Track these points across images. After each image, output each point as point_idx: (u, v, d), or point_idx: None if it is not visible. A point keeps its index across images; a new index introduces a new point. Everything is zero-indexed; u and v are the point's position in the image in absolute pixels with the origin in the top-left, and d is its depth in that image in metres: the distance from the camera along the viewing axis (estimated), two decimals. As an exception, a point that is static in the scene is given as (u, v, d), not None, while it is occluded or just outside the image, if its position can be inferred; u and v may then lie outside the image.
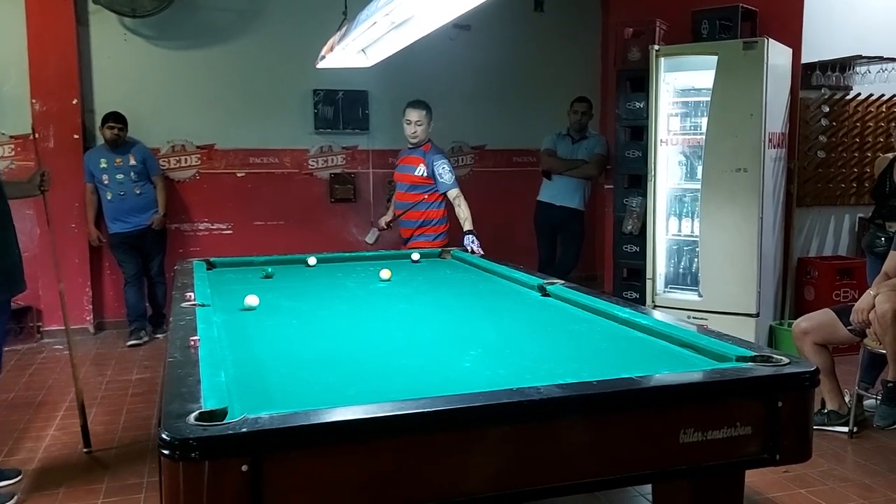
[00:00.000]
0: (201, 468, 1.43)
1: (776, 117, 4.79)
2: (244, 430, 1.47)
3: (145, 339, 5.66)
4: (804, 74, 5.09)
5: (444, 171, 4.56)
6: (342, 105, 6.48)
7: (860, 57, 5.01)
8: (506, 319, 2.79)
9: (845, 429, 3.65)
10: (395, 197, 4.80)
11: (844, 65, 5.11)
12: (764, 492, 3.04)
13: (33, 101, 5.60)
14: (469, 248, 4.25)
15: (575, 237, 6.01)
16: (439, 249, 4.42)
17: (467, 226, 4.43)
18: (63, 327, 3.64)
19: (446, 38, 6.05)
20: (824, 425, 3.64)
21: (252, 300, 2.87)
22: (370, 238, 6.69)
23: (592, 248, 6.84)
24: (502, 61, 6.85)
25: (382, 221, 5.07)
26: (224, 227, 6.34)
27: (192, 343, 2.11)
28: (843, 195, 5.35)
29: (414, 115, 4.55)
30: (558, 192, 5.94)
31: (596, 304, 2.75)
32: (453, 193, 4.56)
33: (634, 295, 5.31)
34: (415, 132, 4.57)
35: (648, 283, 5.10)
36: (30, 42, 5.60)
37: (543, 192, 6.06)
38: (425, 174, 4.56)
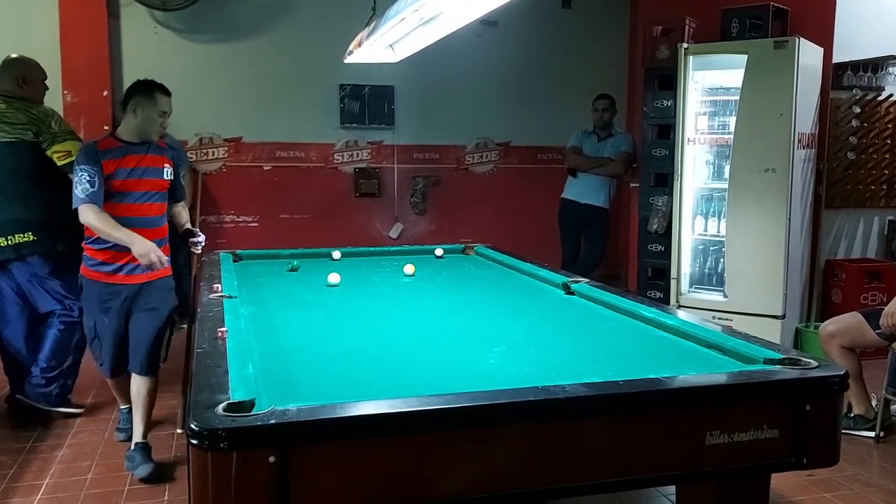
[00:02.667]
0: (229, 458, 1.45)
1: (806, 117, 4.73)
2: (272, 421, 1.49)
3: (170, 329, 5.72)
4: (835, 74, 5.02)
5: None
6: (368, 100, 6.50)
7: (893, 57, 4.94)
8: (530, 317, 2.79)
9: (872, 433, 3.61)
10: (128, 211, 3.17)
11: (877, 65, 5.04)
12: (788, 495, 3.01)
13: (65, 92, 5.68)
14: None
15: (599, 235, 5.97)
16: (462, 245, 4.40)
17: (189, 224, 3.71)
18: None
19: (473, 34, 6.06)
20: (850, 429, 3.60)
21: (334, 278, 3.23)
22: (394, 233, 6.74)
23: (616, 246, 6.81)
24: (529, 58, 6.83)
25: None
26: (250, 219, 6.39)
27: (220, 334, 2.14)
28: (872, 197, 5.27)
29: (167, 104, 3.29)
30: (583, 190, 5.91)
31: (621, 303, 2.74)
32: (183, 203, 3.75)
33: (658, 294, 5.28)
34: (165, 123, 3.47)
35: (673, 283, 5.06)
36: (62, 34, 5.68)
37: (568, 189, 6.03)
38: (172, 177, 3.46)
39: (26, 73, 3.94)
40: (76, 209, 3.07)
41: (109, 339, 3.28)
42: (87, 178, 3.03)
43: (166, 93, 3.29)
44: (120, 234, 3.06)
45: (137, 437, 3.24)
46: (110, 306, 3.22)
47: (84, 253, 3.24)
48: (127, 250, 3.10)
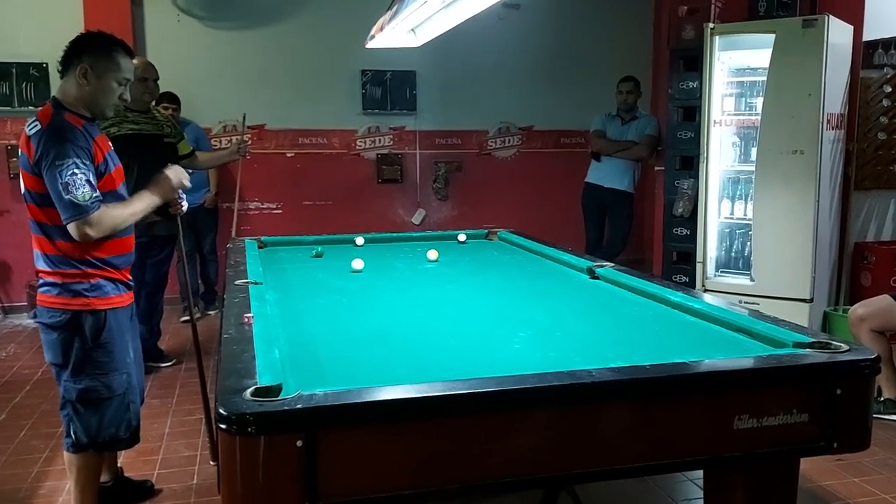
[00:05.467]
0: (257, 442, 1.47)
1: (835, 97, 4.64)
2: (299, 406, 1.49)
3: (198, 315, 5.77)
4: (865, 53, 4.92)
5: None
6: (390, 86, 6.49)
7: (926, 35, 4.83)
8: (554, 302, 2.78)
9: (902, 418, 3.57)
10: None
11: (909, 43, 4.93)
12: (816, 479, 2.99)
13: (90, 81, 5.72)
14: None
15: (624, 219, 5.93)
16: (486, 230, 4.39)
17: None
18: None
19: (495, 17, 6.01)
20: (880, 414, 3.56)
21: (358, 264, 3.24)
22: (416, 219, 6.74)
23: (641, 230, 6.76)
24: (551, 40, 6.76)
25: None
26: (274, 206, 6.42)
27: (247, 320, 2.15)
28: (904, 179, 5.17)
29: (131, 69, 2.57)
30: (607, 174, 5.87)
31: (647, 288, 2.72)
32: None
33: (684, 279, 5.23)
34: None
35: (699, 267, 5.02)
36: (86, 23, 5.71)
37: (592, 173, 5.99)
38: None
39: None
40: (76, 224, 2.26)
41: (137, 389, 2.63)
42: (85, 177, 2.27)
43: (129, 53, 2.51)
44: (141, 204, 2.48)
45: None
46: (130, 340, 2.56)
47: (88, 279, 2.39)
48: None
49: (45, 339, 2.44)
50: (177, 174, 2.60)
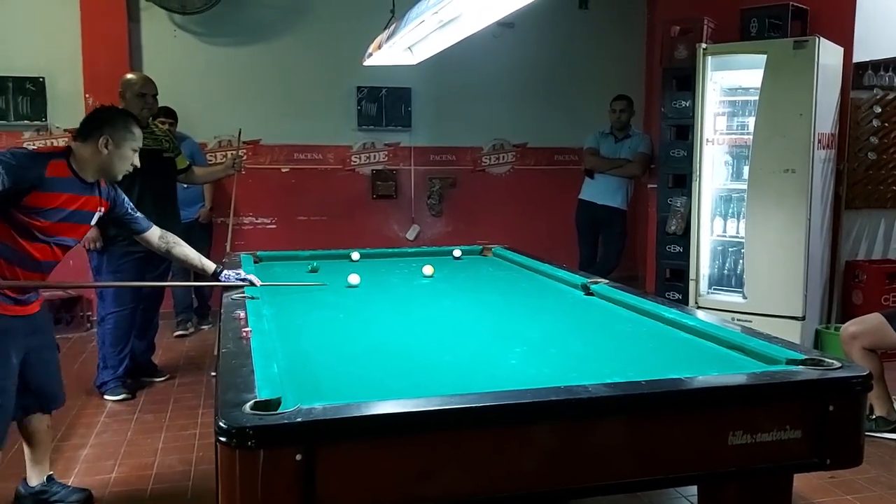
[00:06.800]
0: (257, 456, 1.47)
1: (826, 117, 4.70)
2: (299, 419, 1.50)
3: (191, 330, 5.78)
4: (855, 74, 4.99)
5: None
6: (385, 102, 6.53)
7: (915, 56, 4.90)
8: (549, 318, 2.80)
9: (894, 435, 3.59)
10: (33, 249, 2.63)
11: (898, 64, 5.00)
12: (809, 497, 3.00)
13: (87, 95, 5.75)
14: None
15: (617, 237, 5.97)
16: (480, 246, 4.41)
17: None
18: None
19: (490, 35, 6.06)
20: (872, 431, 3.57)
21: (354, 279, 3.25)
22: (410, 235, 6.76)
23: (634, 247, 6.79)
24: (546, 59, 6.83)
25: None
26: (268, 221, 6.44)
27: (245, 335, 2.16)
28: (893, 198, 5.23)
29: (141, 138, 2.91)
30: (601, 191, 5.91)
31: (641, 304, 2.74)
32: None
33: (677, 296, 5.26)
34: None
35: (692, 284, 5.05)
36: (84, 39, 5.75)
37: (585, 190, 6.04)
38: None
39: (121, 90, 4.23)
40: None
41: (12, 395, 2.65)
42: None
43: (140, 124, 2.93)
44: None
45: (45, 474, 2.92)
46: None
47: None
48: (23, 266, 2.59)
49: None
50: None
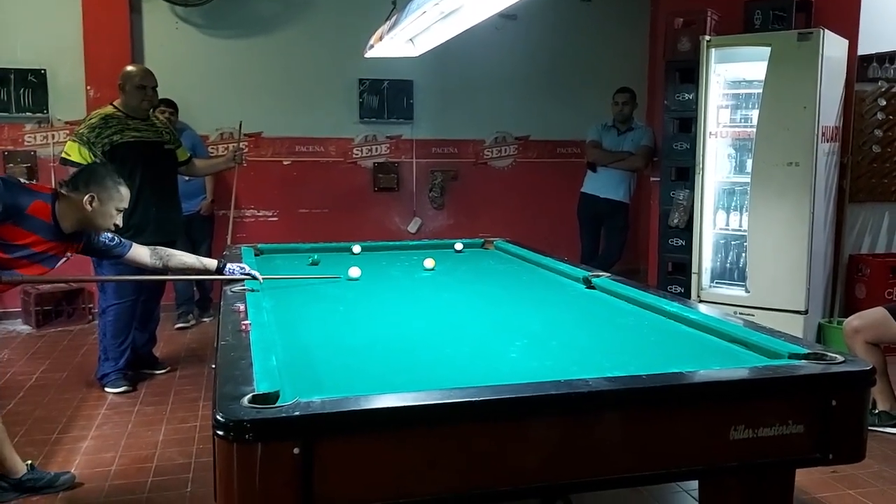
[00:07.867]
0: (254, 450, 1.46)
1: (830, 110, 4.67)
2: (297, 413, 1.49)
3: (192, 322, 5.77)
4: (860, 66, 4.95)
5: None
6: (387, 94, 6.50)
7: (920, 49, 4.87)
8: (551, 311, 2.79)
9: (896, 430, 3.58)
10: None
11: (903, 57, 4.97)
12: (811, 491, 2.99)
13: (88, 88, 5.73)
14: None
15: (619, 230, 5.95)
16: (482, 240, 4.40)
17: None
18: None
19: (492, 27, 6.03)
20: (875, 426, 3.56)
21: (355, 272, 3.25)
22: (412, 227, 6.74)
23: (636, 241, 6.77)
24: (548, 51, 6.80)
25: None
26: (270, 213, 6.42)
27: (244, 327, 2.15)
28: (898, 191, 5.20)
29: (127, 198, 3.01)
30: (603, 184, 5.89)
31: (643, 298, 2.73)
32: None
33: (679, 289, 5.25)
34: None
35: (694, 278, 5.03)
36: (85, 31, 5.73)
37: (588, 183, 6.01)
38: None
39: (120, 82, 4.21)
40: None
41: None
42: None
43: (126, 185, 2.90)
44: None
45: (21, 465, 2.95)
46: None
47: None
48: None
49: None
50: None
